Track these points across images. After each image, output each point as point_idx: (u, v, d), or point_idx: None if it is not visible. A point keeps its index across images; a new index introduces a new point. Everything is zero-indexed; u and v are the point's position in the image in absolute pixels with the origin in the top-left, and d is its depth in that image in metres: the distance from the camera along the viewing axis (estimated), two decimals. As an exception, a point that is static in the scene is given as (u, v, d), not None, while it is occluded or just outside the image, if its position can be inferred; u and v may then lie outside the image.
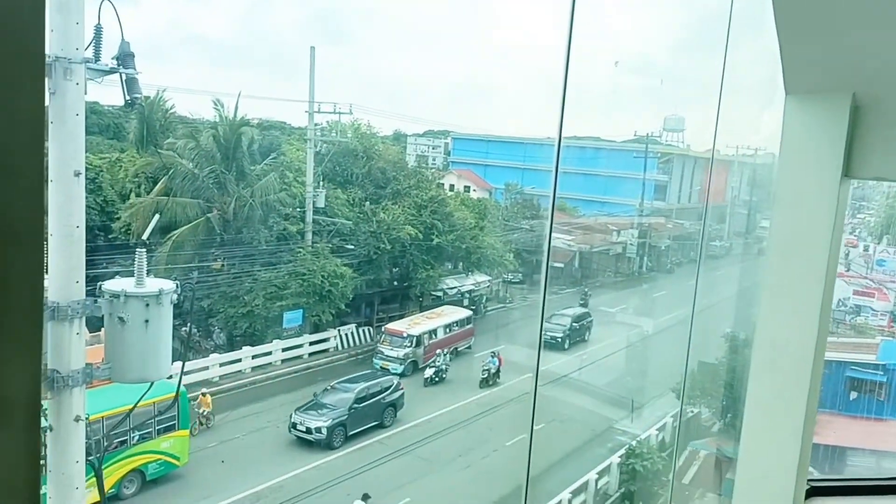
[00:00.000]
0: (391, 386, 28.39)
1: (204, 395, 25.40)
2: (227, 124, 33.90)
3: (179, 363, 11.86)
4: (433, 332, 34.02)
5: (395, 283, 40.15)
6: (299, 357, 33.39)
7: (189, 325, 27.35)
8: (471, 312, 37.61)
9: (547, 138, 74.64)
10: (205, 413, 25.12)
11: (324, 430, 24.69)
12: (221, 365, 30.31)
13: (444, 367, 32.22)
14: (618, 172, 64.27)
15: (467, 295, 43.42)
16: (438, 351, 33.21)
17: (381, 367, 31.86)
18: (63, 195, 4.84)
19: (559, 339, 35.75)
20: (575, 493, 21.26)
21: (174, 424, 21.48)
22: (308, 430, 24.91)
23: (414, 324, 34.52)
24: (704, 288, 51.46)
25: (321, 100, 35.69)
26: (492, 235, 43.12)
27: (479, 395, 30.47)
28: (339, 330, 35.34)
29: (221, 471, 22.47)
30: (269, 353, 32.06)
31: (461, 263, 43.29)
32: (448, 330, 34.88)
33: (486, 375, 31.60)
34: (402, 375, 31.20)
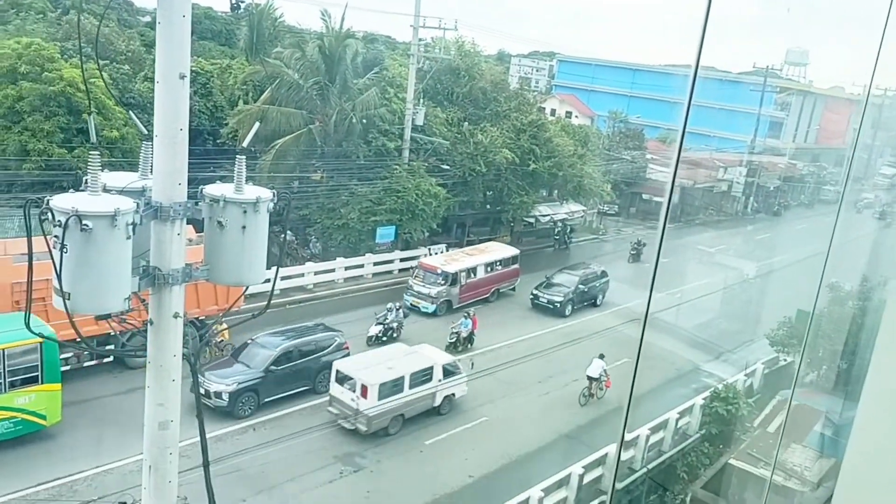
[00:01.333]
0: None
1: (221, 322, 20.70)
2: (332, 36, 33.93)
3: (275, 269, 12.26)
4: (472, 270, 31.15)
5: (488, 206, 40.02)
6: (389, 272, 34.11)
7: (285, 233, 28.26)
8: (517, 252, 33.97)
9: (658, 65, 71.21)
10: (222, 343, 22.46)
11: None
12: (316, 273, 31.35)
13: (395, 324, 26.51)
14: (731, 105, 60.80)
15: (559, 224, 42.89)
16: (476, 292, 30.88)
17: (411, 305, 29.42)
18: (168, 97, 4.89)
19: (557, 305, 31.24)
20: (654, 431, 21.15)
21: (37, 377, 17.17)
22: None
23: (451, 259, 31.72)
24: (813, 234, 48.90)
25: (427, 14, 35.03)
26: (591, 164, 41.98)
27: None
28: (429, 249, 35.75)
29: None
30: (361, 266, 32.90)
31: (556, 191, 42.56)
32: (490, 269, 32.00)
33: (454, 340, 26.47)
34: (434, 315, 29.25)
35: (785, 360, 27.24)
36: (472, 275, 31.10)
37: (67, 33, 35.19)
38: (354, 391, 19.79)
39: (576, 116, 66.67)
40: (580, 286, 32.00)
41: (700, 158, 54.77)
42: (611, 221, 50.23)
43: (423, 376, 21.02)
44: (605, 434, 21.21)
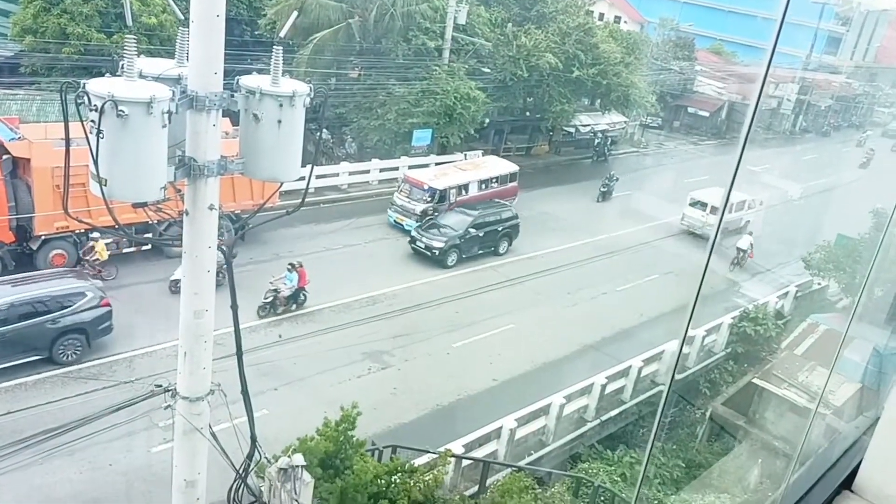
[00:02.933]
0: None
1: (97, 240, 19.97)
2: (376, -77, 32.47)
3: (310, 167, 12.23)
4: (463, 186, 28.56)
5: (528, 113, 39.16)
6: (424, 175, 33.88)
7: (321, 130, 28.05)
8: (516, 168, 30.96)
9: (717, -30, 67.30)
10: (96, 261, 20.16)
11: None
12: (350, 174, 31.32)
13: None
14: (788, 18, 57.67)
15: (600, 135, 41.94)
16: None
17: (394, 222, 27.42)
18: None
19: (436, 253, 25.11)
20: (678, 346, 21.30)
21: None
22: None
23: (441, 174, 29.05)
24: (860, 157, 47.28)
25: None
26: (637, 74, 40.49)
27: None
28: (465, 154, 35.31)
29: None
30: (396, 169, 32.72)
31: (599, 100, 41.37)
32: (484, 186, 29.36)
33: (269, 299, 20.06)
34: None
35: (819, 284, 26.91)
36: (464, 192, 28.53)
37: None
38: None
39: (625, 22, 63.84)
40: (472, 230, 25.98)
41: (752, 73, 52.57)
42: (653, 135, 48.96)
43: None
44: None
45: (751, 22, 55.73)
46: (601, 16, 60.54)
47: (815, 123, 57.86)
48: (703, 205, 30.96)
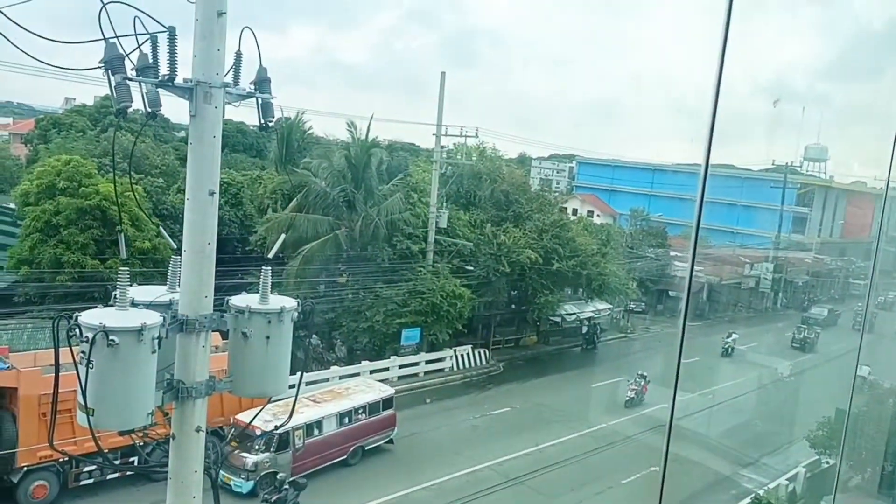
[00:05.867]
0: None
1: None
2: (358, 145, 35.11)
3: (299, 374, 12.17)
4: (314, 425, 22.50)
5: (513, 306, 39.93)
6: (415, 375, 33.75)
7: (309, 337, 28.23)
8: (391, 392, 25.96)
9: (677, 165, 72.22)
10: None
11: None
12: (341, 378, 31.06)
13: None
14: (753, 202, 61.13)
15: (586, 322, 42.50)
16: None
17: (223, 483, 19.57)
18: (198, 213, 5.05)
19: None
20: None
21: None
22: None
23: (285, 411, 18.13)
24: (846, 330, 47.82)
25: (449, 122, 36.26)
26: (614, 262, 41.99)
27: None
28: (454, 350, 35.50)
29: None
30: (387, 370, 32.60)
31: (581, 290, 42.44)
32: (346, 420, 23.59)
33: None
34: (252, 495, 20.43)
35: (827, 462, 26.04)
36: (316, 430, 22.55)
37: (105, 149, 36.84)
38: None
39: (598, 215, 67.28)
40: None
41: (725, 255, 54.55)
42: (638, 319, 49.64)
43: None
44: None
45: (716, 208, 58.92)
46: (574, 211, 63.87)
47: (795, 299, 59.12)
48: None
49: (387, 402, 25.26)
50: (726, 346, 40.11)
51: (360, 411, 24.19)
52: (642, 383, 31.63)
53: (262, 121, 5.67)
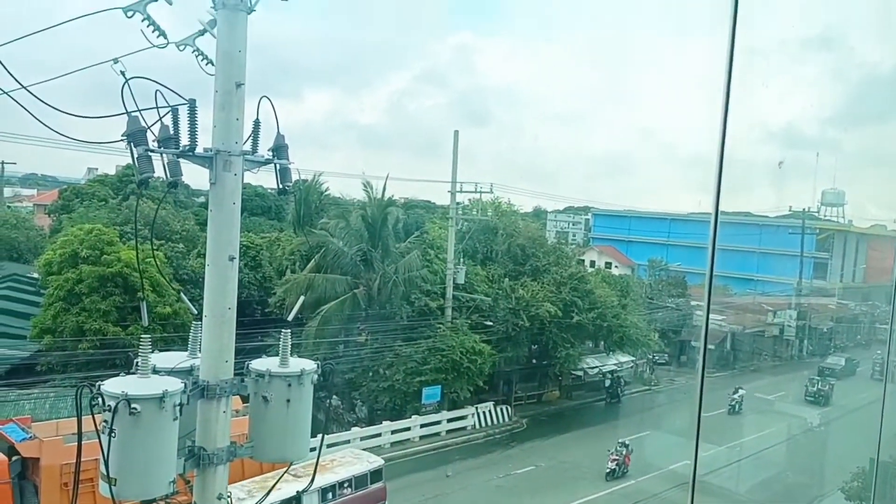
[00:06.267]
0: None
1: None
2: (375, 204, 35.48)
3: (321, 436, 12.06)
4: (292, 502, 17.15)
5: (534, 360, 39.52)
6: (437, 434, 33.28)
7: (329, 398, 28.05)
8: (381, 463, 24.03)
9: (691, 214, 72.25)
10: None
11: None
12: (362, 439, 30.74)
13: None
14: (772, 249, 60.68)
15: (609, 375, 41.92)
16: None
17: None
18: (218, 278, 5.12)
19: None
20: None
21: None
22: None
23: (262, 487, 18.28)
24: (864, 379, 46.73)
25: (464, 179, 36.65)
26: (635, 314, 41.61)
27: None
28: (476, 407, 35.05)
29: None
30: (408, 430, 32.19)
31: (602, 342, 42.00)
32: (328, 497, 21.69)
33: None
34: None
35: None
36: None
37: (127, 217, 37.49)
38: None
39: (615, 267, 67.09)
40: None
41: (747, 303, 53.95)
42: (662, 371, 48.90)
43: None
44: None
45: (735, 256, 58.50)
46: (592, 263, 63.75)
47: (821, 346, 58.09)
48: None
49: (375, 475, 23.46)
50: (733, 402, 38.37)
51: (345, 485, 22.30)
52: (624, 453, 29.66)
53: (280, 185, 5.79)
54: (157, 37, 5.22)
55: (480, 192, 38.34)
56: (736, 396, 38.73)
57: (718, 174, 4.79)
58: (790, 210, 62.18)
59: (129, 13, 5.03)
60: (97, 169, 70.65)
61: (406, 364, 32.57)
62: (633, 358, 44.38)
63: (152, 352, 5.04)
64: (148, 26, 5.09)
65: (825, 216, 69.49)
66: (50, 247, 33.36)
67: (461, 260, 36.83)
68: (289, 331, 5.66)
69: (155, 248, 29.56)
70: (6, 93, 4.81)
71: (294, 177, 5.89)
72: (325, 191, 48.69)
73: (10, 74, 4.75)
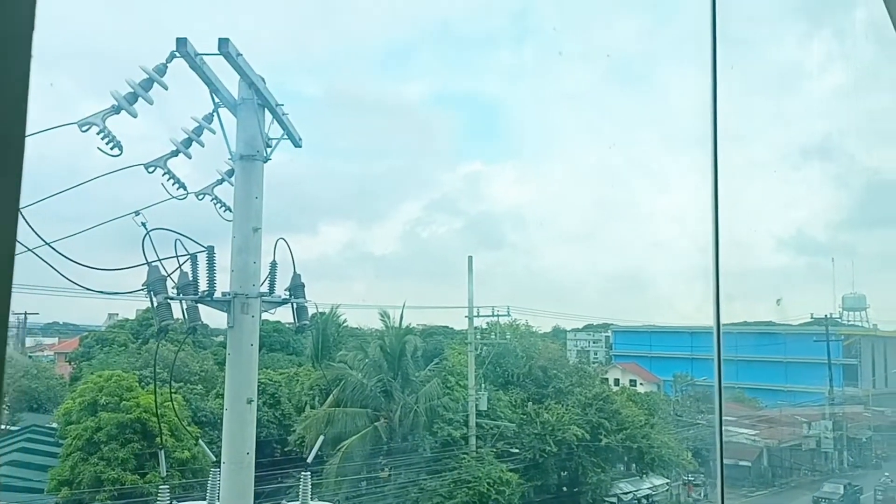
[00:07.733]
0: None
1: None
2: (392, 334, 35.46)
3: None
4: None
5: (564, 488, 37.91)
6: (468, 575, 31.48)
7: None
8: None
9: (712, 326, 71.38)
10: None
11: None
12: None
13: None
14: (798, 358, 59.47)
15: (644, 501, 40.00)
16: None
17: None
18: (236, 423, 5.08)
19: None
20: None
21: None
22: None
23: None
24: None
25: (480, 303, 36.76)
26: (664, 433, 40.27)
27: None
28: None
29: None
30: (438, 570, 30.58)
31: (634, 465, 40.41)
32: None
33: None
34: None
35: None
36: None
37: (146, 361, 37.52)
38: None
39: (640, 384, 65.58)
40: None
41: (780, 416, 52.24)
42: (699, 491, 46.63)
43: None
44: None
45: (761, 367, 57.30)
46: (616, 381, 62.43)
47: (862, 457, 55.55)
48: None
49: None
50: None
51: None
52: None
53: (298, 323, 5.85)
54: (177, 189, 5.46)
55: (498, 316, 38.34)
56: None
57: (716, 286, 4.81)
58: (811, 317, 61.38)
59: (151, 168, 5.31)
60: (117, 314, 71.43)
61: (432, 499, 31.35)
62: (668, 480, 42.50)
63: (170, 502, 4.93)
64: (168, 180, 5.35)
65: (847, 321, 68.48)
66: (69, 395, 33.28)
67: (482, 385, 36.28)
68: (308, 473, 5.55)
69: (173, 390, 29.43)
70: (30, 250, 4.99)
71: (311, 311, 5.97)
72: (343, 322, 48.82)
73: (34, 231, 4.96)
